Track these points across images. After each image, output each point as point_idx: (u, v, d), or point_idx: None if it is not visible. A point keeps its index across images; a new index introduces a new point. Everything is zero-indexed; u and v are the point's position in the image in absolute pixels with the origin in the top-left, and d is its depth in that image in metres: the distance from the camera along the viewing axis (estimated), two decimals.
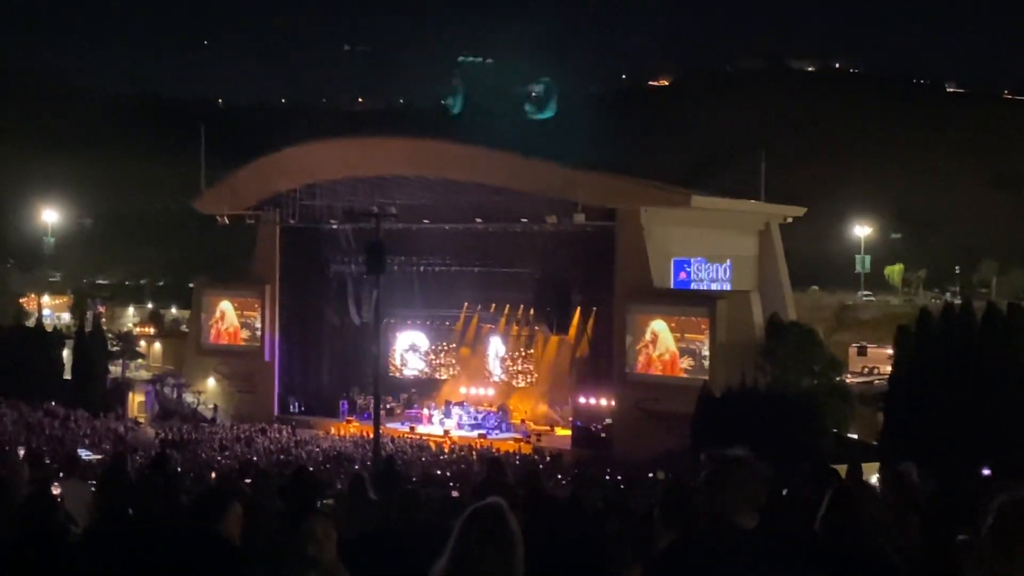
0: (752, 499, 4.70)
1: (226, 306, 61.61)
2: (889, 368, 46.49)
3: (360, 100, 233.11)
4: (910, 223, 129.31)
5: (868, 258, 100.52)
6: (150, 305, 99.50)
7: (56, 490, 9.43)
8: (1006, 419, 36.11)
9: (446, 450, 48.18)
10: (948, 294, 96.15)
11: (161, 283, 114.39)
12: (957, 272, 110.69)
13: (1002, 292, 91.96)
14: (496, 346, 58.12)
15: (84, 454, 33.71)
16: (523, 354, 57.21)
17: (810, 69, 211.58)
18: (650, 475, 36.50)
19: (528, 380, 57.06)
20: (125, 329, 79.58)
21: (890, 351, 48.04)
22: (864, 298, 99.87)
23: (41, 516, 6.50)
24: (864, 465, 12.67)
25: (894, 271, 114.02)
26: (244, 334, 60.96)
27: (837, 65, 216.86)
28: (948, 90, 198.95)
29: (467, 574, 3.95)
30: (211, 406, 59.88)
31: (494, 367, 58.11)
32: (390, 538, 6.29)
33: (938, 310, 43.94)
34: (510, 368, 57.76)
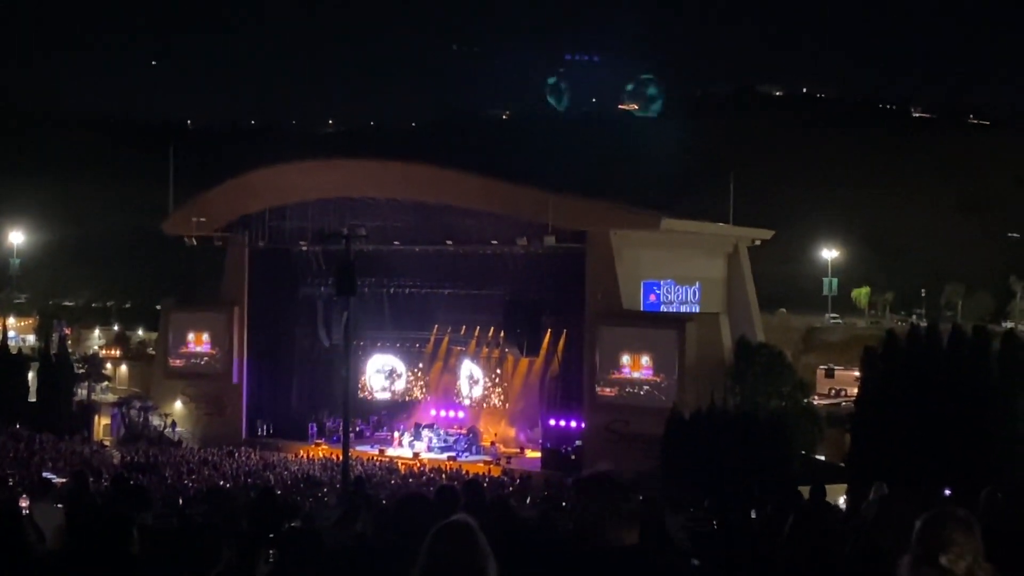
0: (621, 513, 4.69)
1: (194, 328, 61.30)
2: (856, 390, 46.80)
3: (330, 122, 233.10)
4: (877, 246, 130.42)
5: (835, 281, 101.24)
6: (116, 327, 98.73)
7: (23, 503, 9.38)
8: (971, 441, 36.40)
9: (416, 473, 48.02)
10: (914, 317, 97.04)
11: (128, 305, 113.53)
12: (923, 295, 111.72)
13: (968, 315, 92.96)
14: (467, 368, 58.08)
15: (49, 477, 33.35)
16: (493, 376, 57.20)
17: (778, 94, 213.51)
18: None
19: (498, 402, 57.03)
20: (91, 351, 78.95)
21: (857, 373, 48.42)
22: (831, 320, 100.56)
23: (8, 532, 6.48)
24: (831, 486, 12.80)
25: (861, 294, 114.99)
26: (211, 356, 60.62)
27: (804, 90, 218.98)
28: (914, 115, 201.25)
29: None
30: (171, 424, 59.33)
31: (464, 389, 58.05)
32: (365, 557, 6.30)
33: (904, 333, 44.23)
34: (480, 390, 57.71)
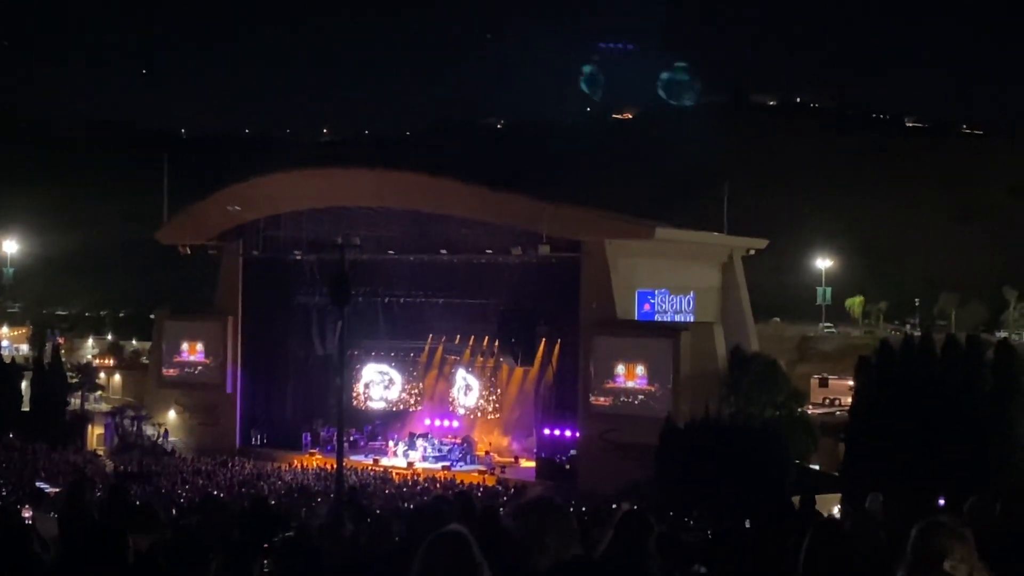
0: (561, 531, 4.79)
1: (188, 337, 61.25)
2: (850, 399, 46.85)
3: (325, 131, 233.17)
4: (871, 256, 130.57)
5: (829, 290, 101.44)
6: (110, 336, 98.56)
7: (27, 514, 9.39)
8: (965, 450, 36.48)
9: (410, 482, 47.97)
10: (908, 326, 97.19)
11: (122, 314, 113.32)
12: (917, 304, 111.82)
13: (962, 325, 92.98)
14: (461, 377, 58.06)
15: (42, 486, 33.27)
16: (488, 386, 57.18)
17: (772, 103, 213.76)
18: (613, 506, 36.49)
19: (493, 412, 56.99)
20: (85, 360, 78.78)
21: (851, 382, 48.43)
22: (825, 330, 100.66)
23: (14, 542, 6.48)
24: (826, 496, 12.82)
25: (855, 303, 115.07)
26: (205, 366, 60.57)
27: (798, 99, 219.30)
28: (907, 124, 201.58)
29: None
30: (163, 433, 59.17)
31: (459, 399, 58.02)
32: (360, 568, 6.32)
33: (898, 342, 44.41)
34: (475, 400, 57.67)
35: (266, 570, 7.20)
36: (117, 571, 5.71)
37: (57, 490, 34.45)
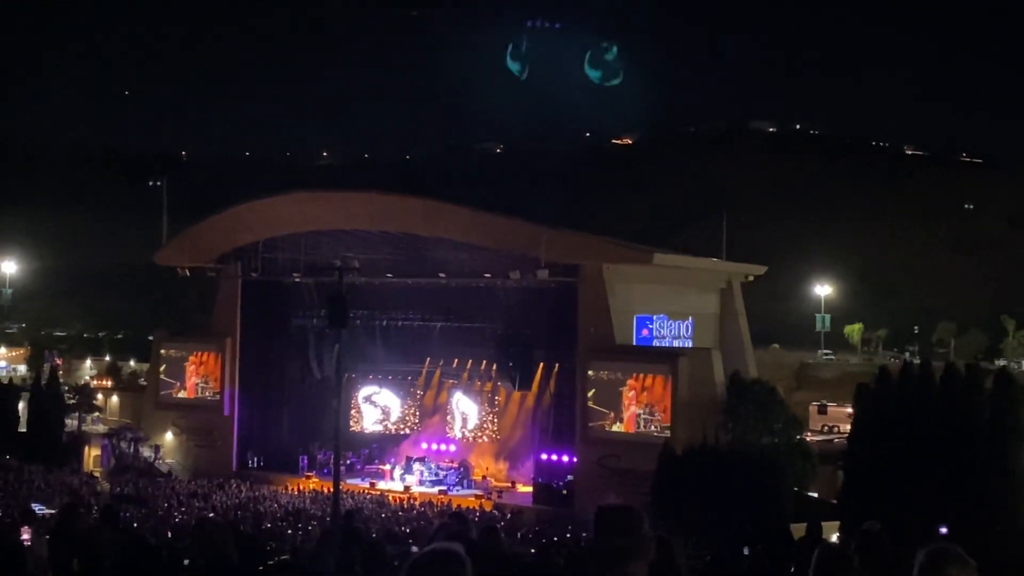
0: (641, 546, 4.67)
1: (185, 360, 61.13)
2: (849, 426, 46.70)
3: (324, 154, 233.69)
4: (870, 283, 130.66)
5: (828, 317, 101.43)
6: (108, 358, 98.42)
7: (25, 536, 9.32)
8: (964, 478, 36.33)
9: (406, 507, 47.77)
10: (907, 354, 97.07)
11: (120, 335, 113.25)
12: (916, 332, 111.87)
13: (960, 353, 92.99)
14: (458, 402, 57.92)
15: (37, 508, 33.12)
16: (486, 410, 57.03)
17: (771, 130, 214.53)
18: None
19: (490, 436, 56.83)
20: (82, 382, 78.58)
21: (850, 409, 48.29)
22: (824, 357, 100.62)
23: (8, 561, 6.42)
24: (824, 524, 12.72)
25: (854, 330, 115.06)
26: (203, 388, 60.42)
27: (797, 127, 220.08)
28: (907, 152, 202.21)
29: None
30: (157, 453, 58.93)
31: (456, 423, 57.86)
32: None
33: (897, 369, 44.23)
34: (472, 424, 57.52)
35: None
36: None
37: (53, 511, 34.32)
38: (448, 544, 4.16)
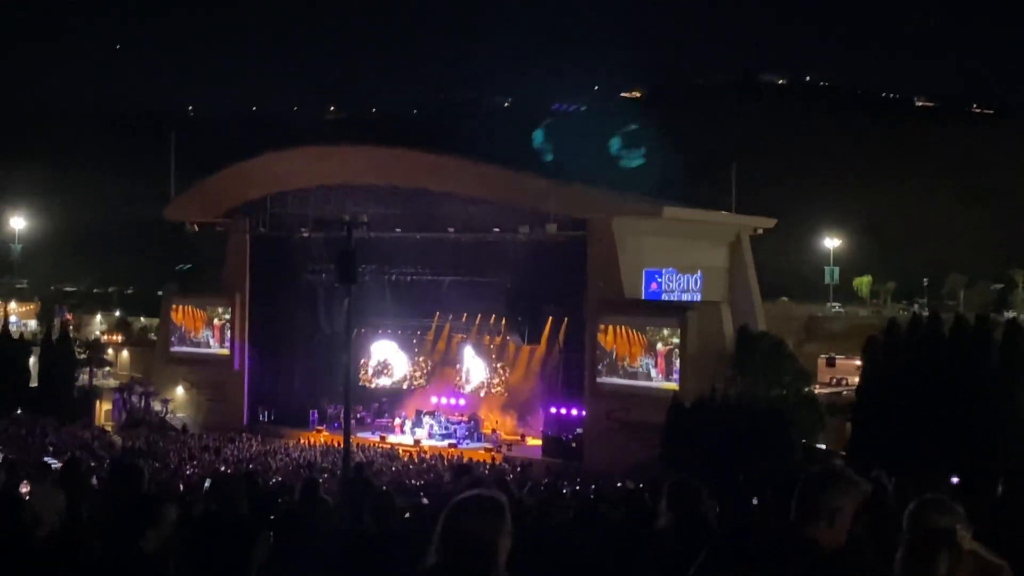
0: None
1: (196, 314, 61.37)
2: (857, 379, 46.78)
3: (332, 108, 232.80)
4: (879, 236, 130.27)
5: (837, 270, 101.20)
6: (118, 313, 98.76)
7: (24, 489, 9.37)
8: (973, 429, 36.41)
9: (416, 460, 48.06)
10: (916, 306, 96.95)
11: (130, 291, 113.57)
12: (925, 284, 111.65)
13: (970, 304, 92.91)
14: (468, 356, 58.07)
15: (50, 461, 33.36)
16: (495, 364, 57.19)
17: (781, 82, 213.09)
18: (618, 484, 36.51)
19: (499, 390, 57.04)
20: (93, 337, 78.95)
21: (858, 362, 48.35)
22: (833, 310, 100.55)
23: (8, 515, 6.45)
24: None
25: (863, 283, 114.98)
26: (214, 342, 60.69)
27: (807, 78, 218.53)
28: (917, 104, 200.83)
29: (460, 560, 3.92)
30: (168, 408, 59.27)
31: (465, 377, 58.05)
32: (365, 543, 6.25)
33: (906, 322, 44.22)
34: (481, 378, 57.70)
35: (269, 544, 7.13)
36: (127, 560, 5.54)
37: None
38: (491, 491, 4.14)
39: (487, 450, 51.27)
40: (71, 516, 7.98)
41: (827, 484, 4.54)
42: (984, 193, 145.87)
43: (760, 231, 60.01)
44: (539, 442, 52.32)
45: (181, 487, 25.64)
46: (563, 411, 51.63)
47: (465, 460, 44.60)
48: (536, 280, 52.86)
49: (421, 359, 59.53)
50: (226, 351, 60.22)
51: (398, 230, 54.87)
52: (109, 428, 56.92)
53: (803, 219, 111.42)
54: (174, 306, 62.61)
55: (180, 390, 60.91)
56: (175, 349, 61.97)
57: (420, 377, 59.64)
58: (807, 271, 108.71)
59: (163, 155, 65.87)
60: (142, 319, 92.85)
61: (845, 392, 57.54)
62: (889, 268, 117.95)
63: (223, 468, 39.28)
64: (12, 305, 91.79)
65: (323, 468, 41.65)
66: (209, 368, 60.13)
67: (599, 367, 50.02)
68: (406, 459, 48.15)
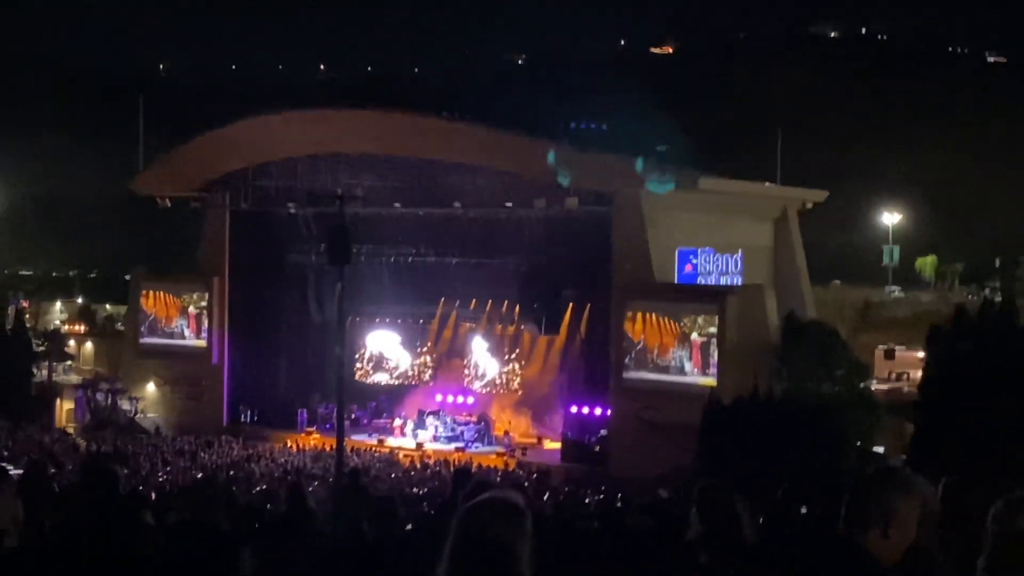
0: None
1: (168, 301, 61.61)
2: (920, 373, 46.71)
3: (321, 67, 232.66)
4: (944, 210, 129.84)
5: (897, 249, 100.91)
6: (80, 300, 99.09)
7: None
8: None
9: (419, 466, 48.23)
10: (987, 290, 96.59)
11: (93, 275, 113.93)
12: (998, 266, 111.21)
13: None
14: (477, 348, 58.19)
15: (6, 467, 33.59)
16: (508, 357, 57.29)
17: (833, 35, 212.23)
18: (658, 492, 36.57)
19: (513, 386, 57.14)
20: (52, 327, 79.27)
21: (921, 354, 48.27)
22: (892, 294, 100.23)
23: None
24: None
25: (926, 264, 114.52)
26: (189, 333, 60.95)
27: (863, 31, 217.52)
28: (989, 60, 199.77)
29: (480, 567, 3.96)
30: (137, 407, 59.53)
31: (475, 372, 58.18)
32: (363, 553, 6.31)
33: (975, 308, 44.16)
34: (492, 373, 57.83)
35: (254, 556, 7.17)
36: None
37: (21, 472, 34.72)
38: (507, 493, 4.18)
39: (499, 455, 51.45)
40: (30, 528, 8.03)
41: (881, 485, 4.53)
42: None
43: (809, 205, 59.96)
44: (558, 445, 52.47)
45: (153, 496, 25.78)
46: (585, 410, 51.72)
47: (467, 465, 44.81)
48: (554, 261, 52.97)
49: (424, 352, 59.69)
50: (203, 343, 60.53)
51: (397, 205, 54.97)
52: (71, 430, 57.27)
53: (858, 192, 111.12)
54: (144, 292, 62.88)
55: (151, 387, 61.20)
56: (145, 340, 62.26)
57: (423, 372, 59.81)
58: (863, 251, 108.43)
59: (131, 121, 65.99)
60: (108, 307, 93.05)
61: (906, 388, 57.47)
62: (956, 247, 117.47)
63: (199, 475, 39.48)
64: None
65: (313, 475, 41.86)
66: (184, 362, 60.39)
67: (626, 360, 50.12)
68: (407, 465, 48.36)
